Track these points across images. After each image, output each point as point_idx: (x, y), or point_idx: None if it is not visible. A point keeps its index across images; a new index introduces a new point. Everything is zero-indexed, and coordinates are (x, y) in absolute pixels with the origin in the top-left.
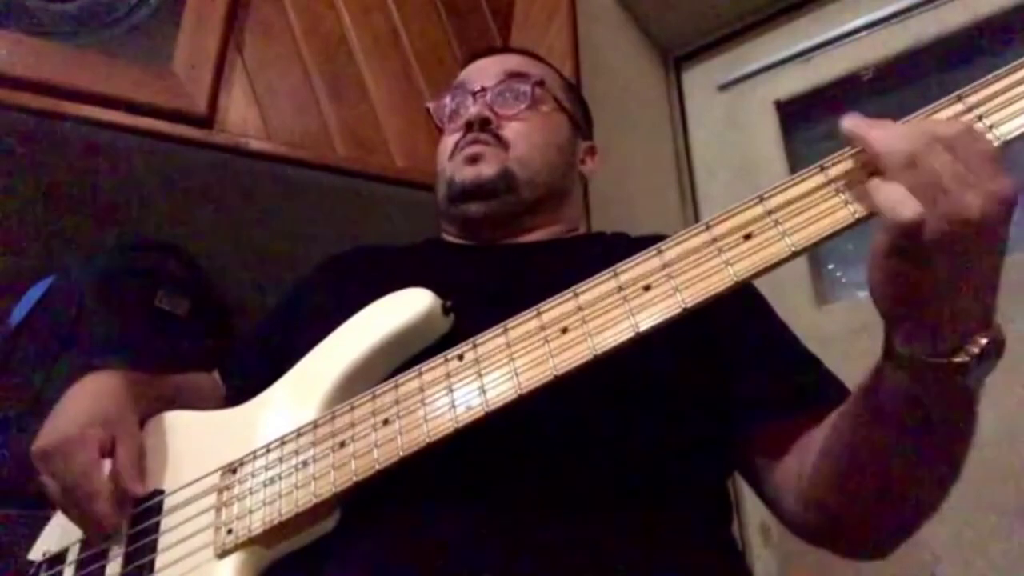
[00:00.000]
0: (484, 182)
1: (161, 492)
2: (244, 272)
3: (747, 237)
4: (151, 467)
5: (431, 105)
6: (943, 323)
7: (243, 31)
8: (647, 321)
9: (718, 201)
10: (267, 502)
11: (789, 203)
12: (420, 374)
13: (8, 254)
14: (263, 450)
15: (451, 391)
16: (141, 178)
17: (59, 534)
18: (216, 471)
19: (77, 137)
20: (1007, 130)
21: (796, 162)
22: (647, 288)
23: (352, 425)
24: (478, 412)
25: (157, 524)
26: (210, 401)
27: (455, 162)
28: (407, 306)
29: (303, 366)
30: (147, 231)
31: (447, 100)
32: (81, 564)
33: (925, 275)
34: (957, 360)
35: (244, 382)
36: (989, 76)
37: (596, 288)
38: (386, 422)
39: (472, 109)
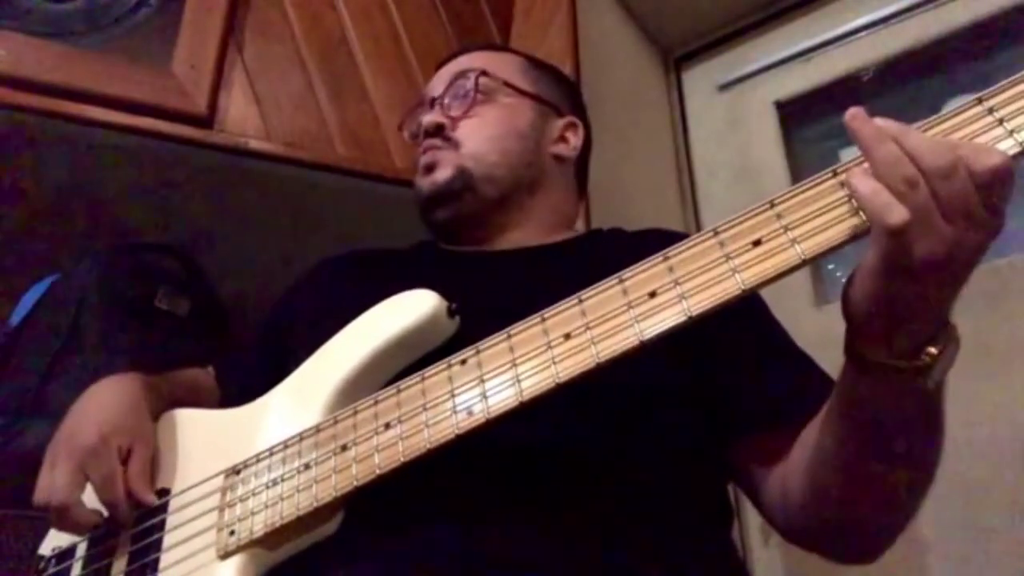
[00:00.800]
0: (441, 187)
1: (167, 491)
2: (244, 272)
3: (756, 244)
4: (159, 466)
5: (402, 127)
6: (909, 332)
7: (243, 31)
8: (652, 329)
9: (718, 201)
10: (269, 504)
11: (800, 209)
12: (423, 379)
13: (8, 254)
14: (266, 452)
15: (453, 396)
16: (141, 178)
17: None
18: (220, 472)
19: (77, 137)
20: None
21: (796, 162)
22: (653, 295)
23: (354, 429)
24: (479, 419)
25: (163, 523)
26: (211, 398)
27: (418, 174)
28: (412, 308)
29: (308, 368)
30: (147, 231)
31: (410, 119)
32: (89, 560)
33: (912, 293)
34: (918, 363)
35: (242, 385)
36: (1011, 79)
37: (601, 294)
38: (388, 426)
39: (424, 118)
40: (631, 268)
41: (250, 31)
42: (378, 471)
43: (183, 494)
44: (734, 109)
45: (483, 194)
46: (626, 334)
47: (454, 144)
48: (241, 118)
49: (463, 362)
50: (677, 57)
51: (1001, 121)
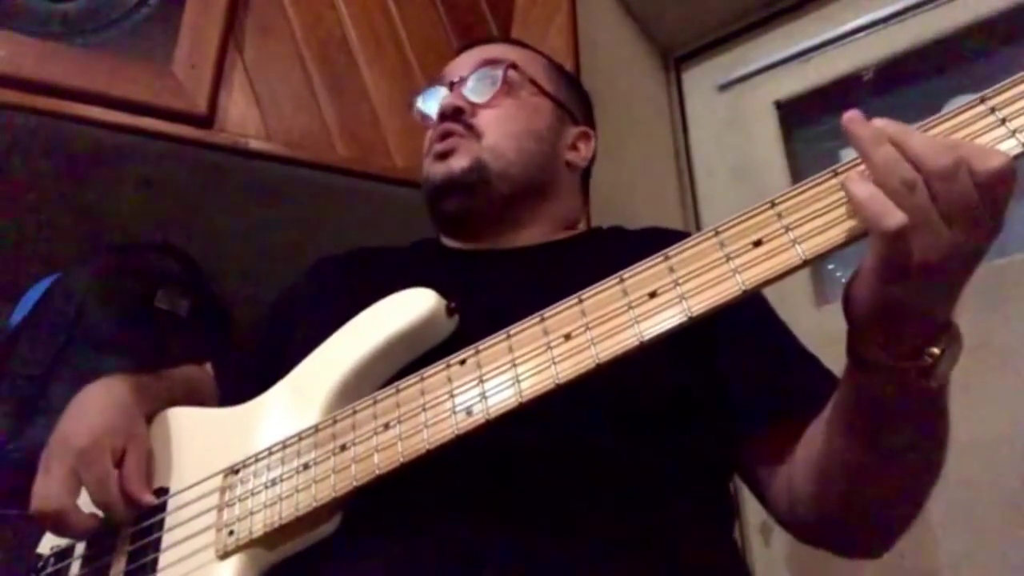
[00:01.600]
0: (456, 176)
1: (166, 491)
2: (244, 272)
3: (757, 244)
4: (157, 464)
5: (414, 103)
6: (910, 333)
7: (243, 31)
8: (652, 330)
9: (718, 201)
10: (268, 504)
11: (800, 210)
12: (422, 379)
13: (8, 254)
14: (265, 452)
15: (452, 396)
16: (141, 178)
17: None
18: (219, 472)
19: (77, 137)
20: None
21: (796, 162)
22: (653, 295)
23: (353, 429)
24: (478, 419)
25: (161, 522)
26: (210, 396)
27: (429, 158)
28: (411, 307)
29: (306, 367)
30: (147, 231)
31: (423, 98)
32: (87, 560)
33: (912, 296)
34: (920, 363)
35: (240, 382)
36: (1014, 77)
37: (601, 294)
38: (387, 427)
39: (443, 99)
40: (631, 268)
41: (250, 31)
42: (377, 471)
43: (181, 494)
44: (734, 109)
45: (496, 190)
46: (626, 335)
47: (474, 133)
48: (241, 118)
49: (462, 362)
50: (677, 57)
51: (1004, 121)
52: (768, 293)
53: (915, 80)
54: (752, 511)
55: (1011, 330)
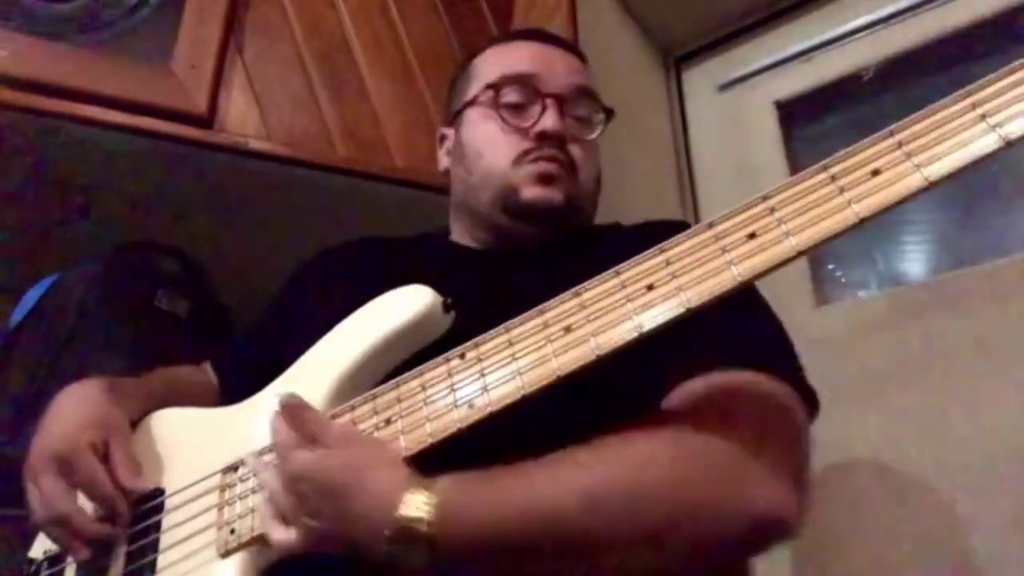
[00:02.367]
0: (555, 208)
1: (162, 491)
2: (244, 272)
3: (751, 237)
4: (152, 466)
5: (493, 81)
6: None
7: (243, 31)
8: (650, 321)
9: (718, 201)
10: None
11: (793, 203)
12: (421, 373)
13: (8, 254)
14: (265, 449)
15: (453, 391)
16: (141, 178)
17: None
18: (217, 471)
19: (77, 137)
20: (1013, 128)
21: (796, 162)
22: (650, 288)
23: (353, 424)
24: (482, 412)
25: (159, 523)
26: (203, 395)
27: (522, 173)
28: (407, 303)
29: (303, 364)
30: (147, 232)
31: (512, 89)
32: (83, 563)
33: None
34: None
35: (241, 377)
36: (996, 73)
37: (599, 287)
38: (388, 422)
39: (549, 121)
40: (628, 262)
41: (250, 31)
42: None
43: (179, 493)
44: (734, 109)
45: (571, 224)
46: (625, 327)
47: (571, 168)
48: (241, 118)
49: (462, 356)
50: (677, 57)
51: (984, 117)
52: (768, 293)
53: (915, 80)
54: None
55: (1011, 330)
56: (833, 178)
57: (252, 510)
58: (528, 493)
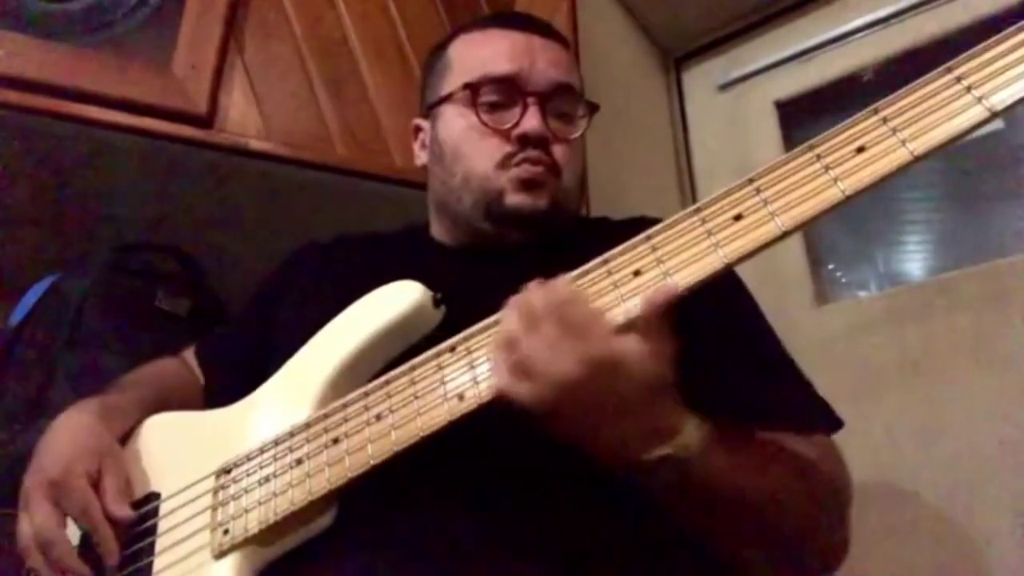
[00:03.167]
0: (539, 214)
1: (158, 496)
2: (244, 272)
3: (737, 219)
4: (147, 471)
5: (472, 80)
6: (615, 449)
7: (243, 31)
8: (639, 307)
9: None
10: (262, 501)
11: (779, 183)
12: (412, 368)
13: (9, 254)
14: (257, 450)
15: (443, 383)
16: (141, 178)
17: None
18: (211, 473)
19: (77, 137)
20: (998, 100)
21: None
22: (637, 274)
23: (345, 421)
24: (471, 404)
25: (154, 527)
26: (190, 392)
27: (504, 178)
28: (397, 299)
29: (295, 363)
30: (147, 231)
31: (491, 88)
32: None
33: (561, 426)
34: (645, 467)
35: (224, 371)
36: (978, 47)
37: (586, 276)
38: (379, 417)
39: (531, 123)
40: (616, 249)
41: (250, 31)
42: (372, 462)
43: (174, 497)
44: (734, 109)
45: (557, 227)
46: (613, 313)
47: (557, 171)
48: (241, 118)
49: (452, 349)
50: (677, 57)
51: (969, 88)
52: (768, 293)
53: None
54: None
55: (1011, 330)
56: (819, 157)
57: (246, 510)
58: (749, 460)
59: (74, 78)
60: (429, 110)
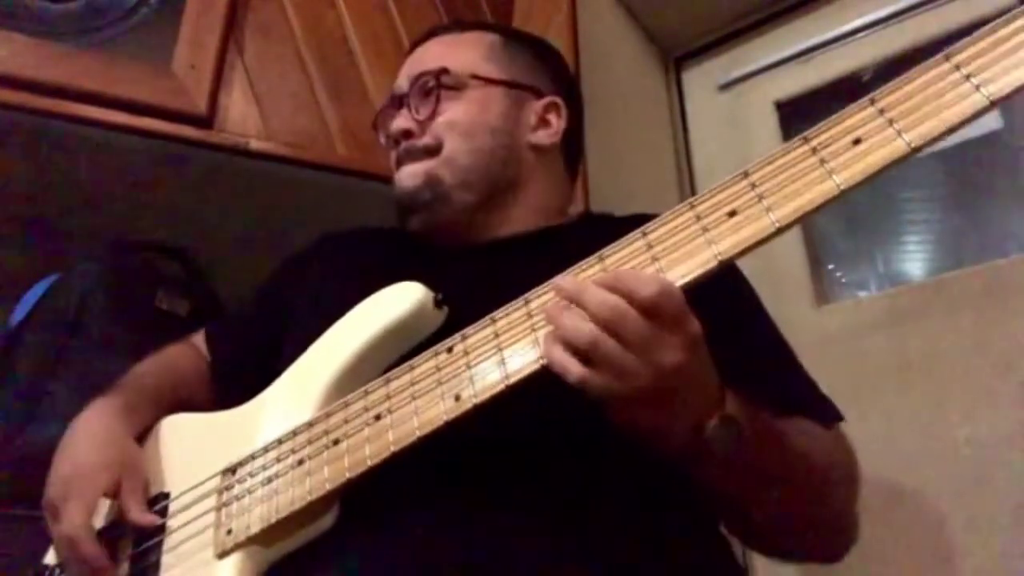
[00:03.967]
0: (412, 194)
1: (167, 495)
2: (244, 272)
3: (731, 214)
4: (159, 470)
5: (376, 128)
6: (690, 424)
7: (243, 31)
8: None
9: None
10: (264, 501)
11: (774, 177)
12: (411, 368)
13: (9, 254)
14: (260, 450)
15: (440, 384)
16: (141, 178)
17: None
18: (217, 472)
19: (77, 137)
20: (996, 88)
21: None
22: None
23: (345, 422)
24: (467, 404)
25: (163, 526)
26: (201, 382)
27: (396, 177)
28: (399, 301)
29: (299, 365)
30: (147, 231)
31: (384, 115)
32: None
33: (647, 416)
34: (698, 450)
35: (234, 361)
36: (976, 33)
37: (582, 274)
38: (378, 417)
39: (391, 123)
40: (611, 246)
41: (250, 31)
42: (369, 462)
43: (182, 496)
44: (734, 109)
45: (458, 201)
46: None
47: (426, 150)
48: (241, 118)
49: (450, 350)
50: (677, 57)
51: (968, 77)
52: (768, 293)
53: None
54: None
55: (1011, 330)
56: (814, 150)
57: (248, 510)
58: (785, 436)
59: (74, 78)
60: None
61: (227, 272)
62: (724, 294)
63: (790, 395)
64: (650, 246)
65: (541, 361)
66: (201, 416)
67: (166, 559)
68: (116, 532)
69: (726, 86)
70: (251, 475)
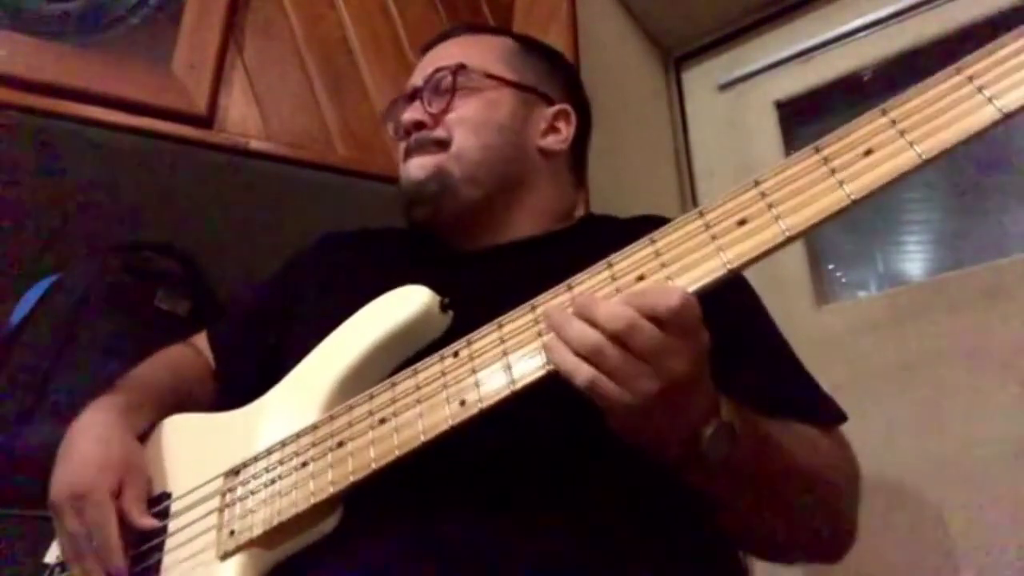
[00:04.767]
0: (419, 185)
1: (169, 495)
2: (244, 272)
3: (741, 223)
4: (161, 471)
5: (385, 120)
6: (689, 431)
7: (243, 31)
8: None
9: None
10: (267, 503)
11: (784, 187)
12: (416, 372)
13: (9, 254)
14: (264, 452)
15: (446, 388)
16: (141, 178)
17: None
18: (220, 474)
19: (77, 137)
20: (1009, 101)
21: None
22: (640, 279)
23: (350, 425)
24: (472, 409)
25: (165, 527)
26: (203, 382)
27: (400, 168)
28: (405, 304)
29: (305, 367)
30: (147, 231)
31: (392, 110)
32: None
33: (650, 424)
34: (693, 456)
35: (238, 361)
36: (989, 46)
37: (590, 279)
38: (383, 421)
39: (404, 114)
40: (619, 252)
41: (250, 31)
42: (374, 465)
43: (184, 497)
44: (734, 109)
45: (465, 196)
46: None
47: (436, 143)
48: (241, 118)
49: (455, 354)
50: (677, 57)
51: (980, 89)
52: (768, 293)
53: (915, 80)
54: None
55: (1011, 330)
56: (825, 160)
57: (251, 512)
58: (781, 440)
59: (74, 78)
60: None
61: (227, 272)
62: (726, 298)
63: (790, 399)
64: (658, 253)
65: (547, 367)
66: (203, 417)
67: (167, 560)
68: None
69: (726, 86)
70: (254, 477)
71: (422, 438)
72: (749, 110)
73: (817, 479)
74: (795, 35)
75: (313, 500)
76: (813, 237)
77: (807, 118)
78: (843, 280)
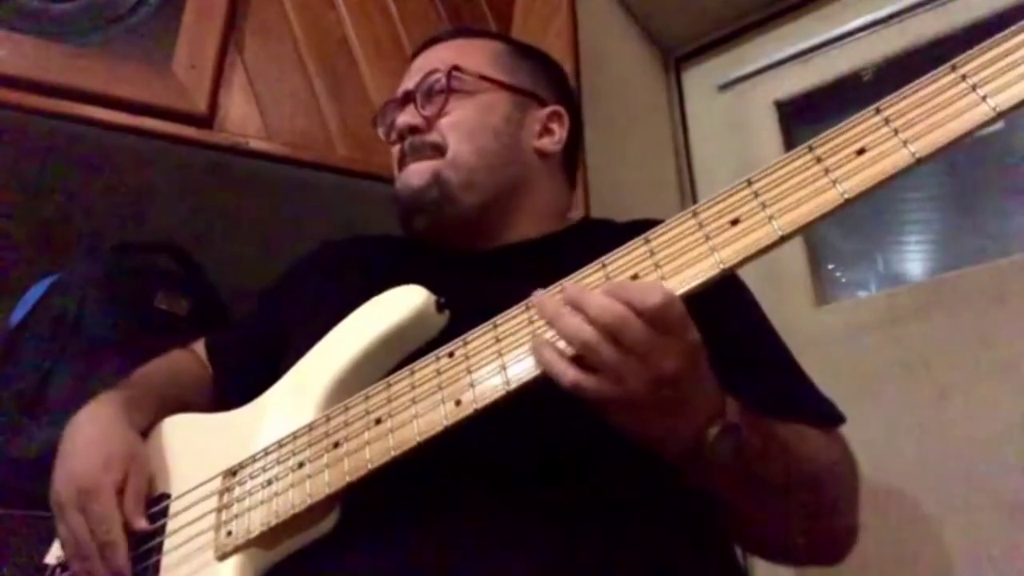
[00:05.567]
0: (419, 193)
1: (167, 496)
2: (244, 272)
3: (734, 223)
4: (160, 471)
5: (375, 124)
6: (693, 431)
7: (243, 31)
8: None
9: None
10: (265, 503)
11: (777, 186)
12: (412, 372)
13: (9, 254)
14: (261, 453)
15: (441, 389)
16: (141, 178)
17: None
18: (218, 474)
19: (77, 137)
20: (1003, 99)
21: None
22: (635, 278)
23: (346, 425)
24: (467, 409)
25: (163, 527)
26: (202, 387)
27: (395, 175)
28: (401, 304)
29: (302, 368)
30: (147, 231)
31: (383, 118)
32: None
33: (643, 421)
34: (698, 454)
35: (236, 369)
36: (983, 44)
37: (584, 280)
38: (378, 421)
39: (397, 118)
40: (613, 252)
41: (250, 31)
42: (369, 466)
43: (182, 497)
44: (734, 109)
45: (464, 202)
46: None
47: (432, 147)
48: (241, 118)
49: (451, 354)
50: (677, 57)
51: (974, 87)
52: (768, 293)
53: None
54: None
55: (1011, 330)
56: (818, 159)
57: (249, 512)
58: (786, 442)
59: (74, 78)
60: None
61: (227, 272)
62: (722, 300)
63: (790, 401)
64: (652, 252)
65: (541, 367)
66: (203, 417)
67: (166, 560)
68: None
69: (726, 86)
70: (252, 477)
71: (418, 438)
72: (749, 110)
73: (819, 480)
74: (795, 35)
75: (310, 501)
76: (813, 237)
77: (807, 118)
78: (843, 280)
